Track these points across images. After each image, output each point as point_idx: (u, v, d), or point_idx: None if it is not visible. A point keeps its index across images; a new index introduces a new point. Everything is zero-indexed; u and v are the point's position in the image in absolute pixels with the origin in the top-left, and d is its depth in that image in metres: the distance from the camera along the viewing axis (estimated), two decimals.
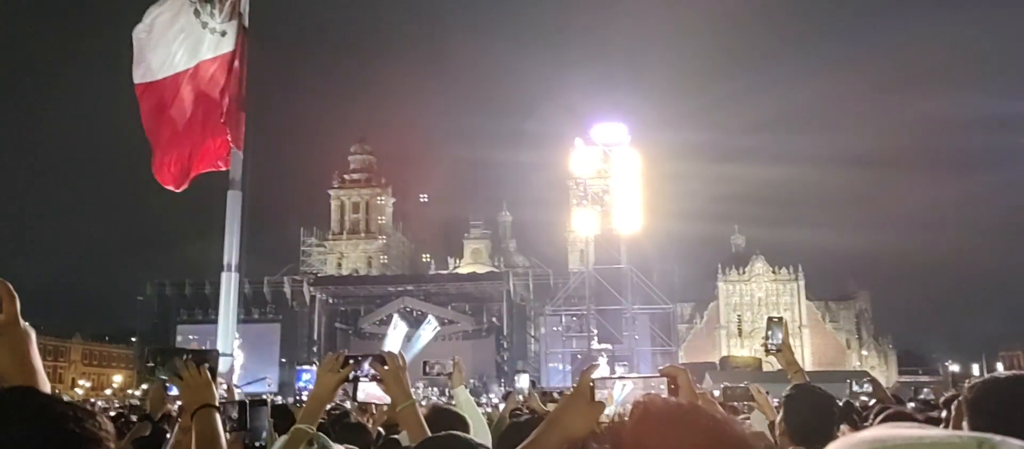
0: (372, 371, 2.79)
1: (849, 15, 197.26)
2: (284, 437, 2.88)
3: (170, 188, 9.45)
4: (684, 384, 1.79)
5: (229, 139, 9.65)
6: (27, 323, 1.70)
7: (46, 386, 2.45)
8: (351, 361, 2.80)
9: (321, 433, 2.90)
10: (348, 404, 7.11)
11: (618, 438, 1.28)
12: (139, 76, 9.36)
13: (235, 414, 2.97)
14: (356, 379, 2.79)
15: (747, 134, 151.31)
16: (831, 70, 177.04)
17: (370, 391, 3.22)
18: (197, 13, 9.62)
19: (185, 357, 2.60)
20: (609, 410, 1.70)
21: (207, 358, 2.62)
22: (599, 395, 1.71)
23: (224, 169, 9.91)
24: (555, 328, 67.62)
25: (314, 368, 35.88)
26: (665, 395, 1.72)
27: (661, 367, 1.81)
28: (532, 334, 75.79)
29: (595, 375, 1.70)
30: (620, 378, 1.85)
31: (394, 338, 58.44)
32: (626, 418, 1.36)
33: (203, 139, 9.58)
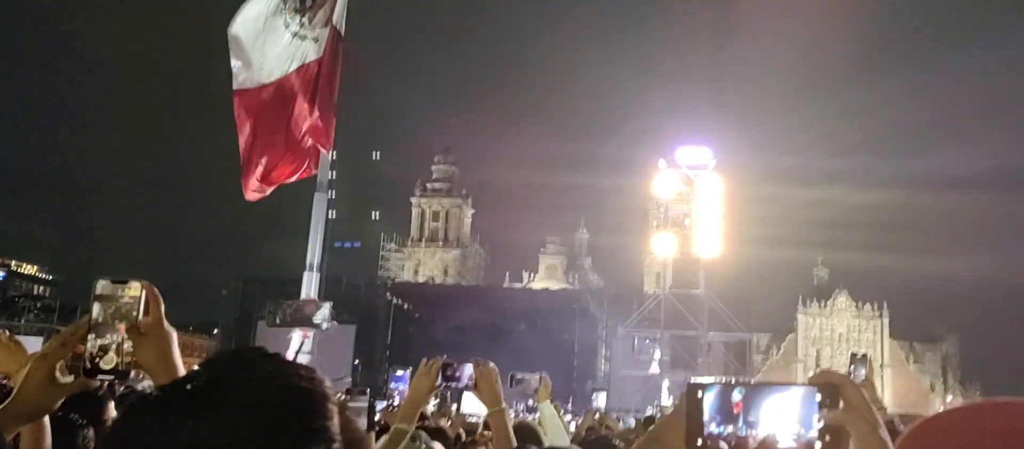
0: (466, 380, 2.91)
1: (953, 34, 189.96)
2: (385, 436, 3.00)
3: (254, 196, 9.65)
4: (854, 398, 1.22)
5: (319, 145, 9.90)
6: (169, 325, 1.86)
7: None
8: (450, 367, 2.88)
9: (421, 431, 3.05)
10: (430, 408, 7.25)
11: None
12: (237, 82, 9.64)
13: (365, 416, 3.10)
14: (458, 389, 2.95)
15: (836, 157, 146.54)
16: (928, 89, 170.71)
17: (470, 405, 3.40)
18: (286, 25, 9.82)
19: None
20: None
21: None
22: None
23: (313, 173, 10.17)
24: (627, 350, 66.93)
25: (404, 373, 36.72)
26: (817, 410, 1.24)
27: (814, 374, 1.30)
28: (603, 354, 75.19)
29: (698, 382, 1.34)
30: (740, 384, 1.35)
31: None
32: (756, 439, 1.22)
33: (293, 146, 9.81)
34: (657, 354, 60.10)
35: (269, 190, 9.80)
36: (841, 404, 1.22)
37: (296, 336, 11.59)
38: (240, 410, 0.87)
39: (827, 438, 1.23)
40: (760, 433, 1.27)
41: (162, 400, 0.90)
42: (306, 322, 11.47)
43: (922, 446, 1.11)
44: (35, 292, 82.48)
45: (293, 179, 9.96)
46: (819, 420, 1.22)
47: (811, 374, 1.35)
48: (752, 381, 1.39)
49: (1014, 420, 1.02)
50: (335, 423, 0.93)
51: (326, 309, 11.43)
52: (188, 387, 0.90)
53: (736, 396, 1.31)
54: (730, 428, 1.28)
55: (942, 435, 1.09)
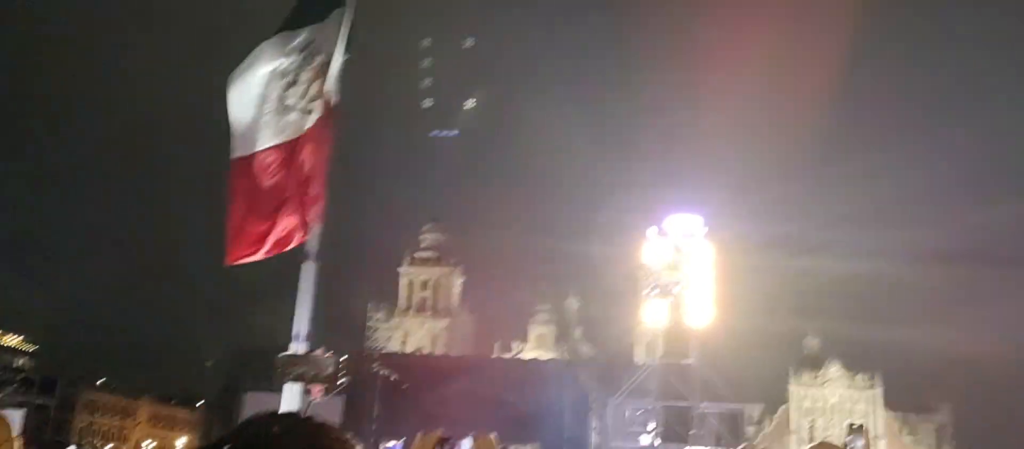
0: None
1: (945, 106, 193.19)
2: None
3: (241, 261, 9.56)
4: None
5: (308, 217, 9.85)
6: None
7: None
8: (446, 441, 2.82)
9: None
10: None
11: None
12: (233, 149, 9.65)
13: None
14: None
15: (826, 228, 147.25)
16: (923, 163, 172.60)
17: None
18: (281, 96, 9.89)
19: None
20: None
21: None
22: None
23: (301, 243, 10.09)
24: (619, 420, 66.06)
25: (396, 444, 36.54)
26: None
27: (811, 447, 1.14)
28: (593, 426, 74.17)
29: None
30: None
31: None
32: None
33: (282, 217, 9.77)
34: (650, 426, 59.31)
35: (257, 258, 9.71)
36: None
37: (291, 392, 10.93)
38: None
39: None
40: None
41: None
42: (316, 376, 10.83)
43: None
44: (15, 364, 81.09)
45: (285, 248, 9.88)
46: None
47: (806, 447, 1.26)
48: None
49: None
50: None
51: (335, 361, 10.94)
52: (228, 445, 0.92)
53: None
54: None
55: None
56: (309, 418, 1.04)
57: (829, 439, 72.83)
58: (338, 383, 11.14)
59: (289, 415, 1.01)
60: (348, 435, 1.00)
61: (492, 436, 2.86)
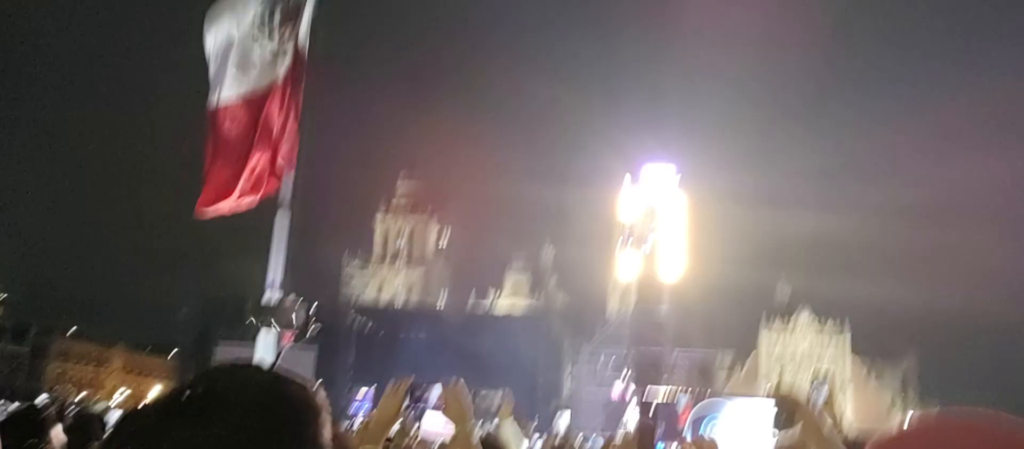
0: (434, 401, 2.87)
1: (914, 65, 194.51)
2: None
3: (212, 214, 9.53)
4: (809, 419, 1.20)
5: (280, 166, 9.79)
6: None
7: None
8: (417, 388, 2.84)
9: None
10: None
11: None
12: (210, 99, 9.57)
13: None
14: (422, 409, 2.89)
15: (800, 181, 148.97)
16: (892, 120, 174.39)
17: (431, 424, 3.31)
18: (255, 39, 9.78)
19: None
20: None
21: None
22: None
23: (274, 193, 10.04)
24: (592, 368, 67.08)
25: (368, 391, 36.88)
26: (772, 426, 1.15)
27: (772, 389, 1.19)
28: (568, 372, 75.22)
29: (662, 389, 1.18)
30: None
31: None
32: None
33: (253, 166, 9.70)
34: (625, 372, 60.33)
35: (228, 210, 9.65)
36: (797, 424, 1.16)
37: (265, 341, 10.95)
38: (234, 417, 0.90)
39: None
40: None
41: (159, 408, 0.94)
42: (287, 323, 10.80)
43: None
44: None
45: (260, 196, 9.82)
46: (775, 436, 1.16)
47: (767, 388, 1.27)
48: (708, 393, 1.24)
49: (967, 437, 0.99)
50: (327, 433, 0.96)
51: (306, 308, 10.92)
52: (186, 394, 0.93)
53: (683, 410, 1.17)
54: (675, 445, 1.16)
55: None
56: (266, 368, 1.04)
57: (796, 390, 74.47)
58: (309, 331, 11.13)
59: (248, 366, 1.02)
60: (309, 384, 1.01)
61: (461, 383, 2.91)
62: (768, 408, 1.11)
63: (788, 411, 1.13)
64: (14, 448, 3.01)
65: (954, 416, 1.05)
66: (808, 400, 4.66)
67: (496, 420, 4.89)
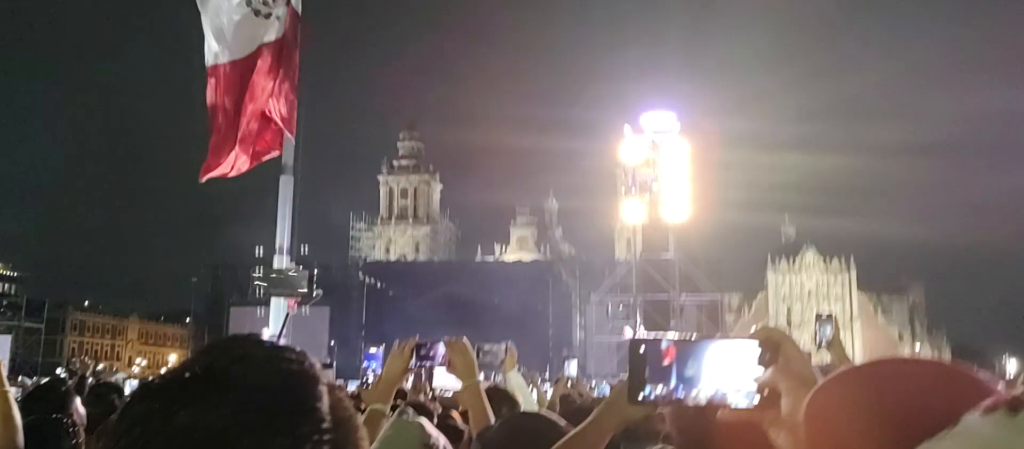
0: (440, 358, 2.94)
1: (913, 1, 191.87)
2: (361, 417, 3.01)
3: (218, 174, 9.56)
4: (792, 356, 1.15)
5: (282, 126, 9.79)
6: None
7: (21, 438, 2.73)
8: (423, 347, 2.92)
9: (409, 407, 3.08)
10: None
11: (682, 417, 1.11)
12: (207, 60, 9.55)
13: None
14: (431, 367, 2.97)
15: (801, 122, 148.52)
16: (890, 58, 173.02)
17: (443, 379, 3.39)
18: (248, 2, 9.71)
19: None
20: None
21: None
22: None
23: (277, 155, 10.06)
24: (601, 316, 67.49)
25: (375, 350, 37.06)
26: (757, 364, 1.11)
27: (756, 329, 1.14)
28: (578, 322, 75.74)
29: (650, 336, 1.22)
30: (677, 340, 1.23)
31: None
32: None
33: (256, 128, 9.69)
34: (633, 319, 60.70)
35: (231, 174, 9.68)
36: (780, 361, 1.15)
37: (277, 307, 11.04)
38: (235, 394, 0.93)
39: (766, 392, 1.15)
40: (703, 390, 1.20)
41: (163, 388, 0.97)
42: (292, 291, 10.94)
43: (825, 403, 1.02)
44: (1, 290, 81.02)
45: (261, 160, 9.85)
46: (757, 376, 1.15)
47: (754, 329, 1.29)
48: (693, 336, 1.28)
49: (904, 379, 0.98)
50: (325, 403, 0.98)
51: (308, 275, 11.02)
52: (186, 375, 0.97)
53: (667, 348, 1.19)
54: (661, 387, 1.18)
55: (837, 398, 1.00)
56: (265, 342, 1.07)
57: (805, 323, 74.82)
58: (313, 296, 11.24)
59: (247, 340, 1.05)
60: (310, 358, 1.04)
61: (465, 339, 2.98)
62: (752, 348, 1.09)
63: (772, 348, 1.11)
64: (37, 424, 3.06)
65: (897, 360, 1.02)
66: (815, 333, 4.67)
67: (501, 374, 4.98)
